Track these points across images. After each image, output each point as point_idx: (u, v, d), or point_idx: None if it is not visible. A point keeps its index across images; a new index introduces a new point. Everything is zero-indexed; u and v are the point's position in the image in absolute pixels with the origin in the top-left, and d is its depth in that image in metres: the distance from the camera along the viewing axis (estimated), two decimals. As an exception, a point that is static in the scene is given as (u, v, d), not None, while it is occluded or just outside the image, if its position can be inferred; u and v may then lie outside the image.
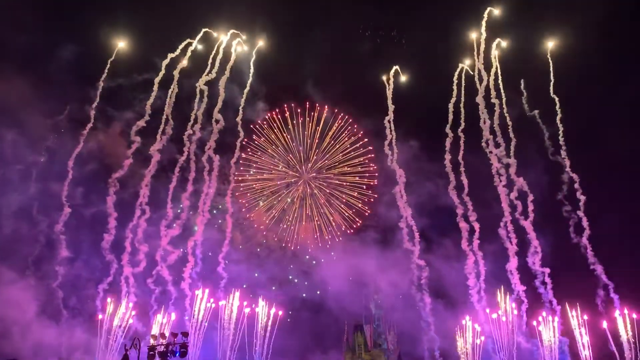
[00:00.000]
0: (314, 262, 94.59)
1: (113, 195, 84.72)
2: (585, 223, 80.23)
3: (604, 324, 76.50)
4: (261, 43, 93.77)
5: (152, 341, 48.89)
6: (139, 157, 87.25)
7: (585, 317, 77.77)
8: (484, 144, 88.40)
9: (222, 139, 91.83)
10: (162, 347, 48.76)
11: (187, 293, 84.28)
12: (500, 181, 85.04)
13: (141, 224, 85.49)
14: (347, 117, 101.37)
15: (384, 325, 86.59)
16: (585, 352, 76.62)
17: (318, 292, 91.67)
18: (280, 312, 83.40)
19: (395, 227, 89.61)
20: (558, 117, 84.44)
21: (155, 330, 79.26)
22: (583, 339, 76.92)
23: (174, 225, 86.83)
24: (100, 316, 76.48)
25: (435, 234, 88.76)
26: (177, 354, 49.11)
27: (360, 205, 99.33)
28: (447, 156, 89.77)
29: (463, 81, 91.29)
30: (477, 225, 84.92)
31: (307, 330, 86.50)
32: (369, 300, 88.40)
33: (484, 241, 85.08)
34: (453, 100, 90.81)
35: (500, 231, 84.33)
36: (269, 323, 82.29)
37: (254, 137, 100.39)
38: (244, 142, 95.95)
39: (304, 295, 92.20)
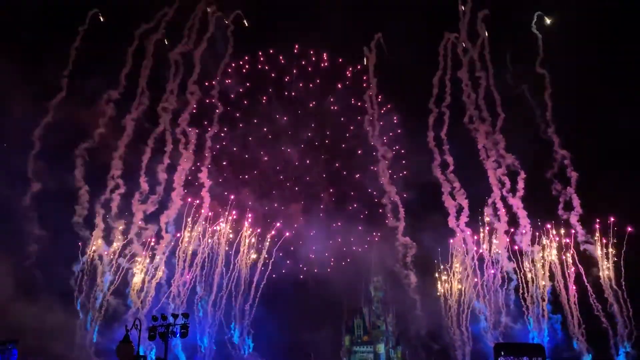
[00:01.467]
0: (301, 242, 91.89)
1: (81, 167, 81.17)
2: (576, 202, 79.80)
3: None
4: (239, 11, 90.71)
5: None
6: (111, 130, 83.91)
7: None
8: (466, 120, 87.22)
9: (201, 112, 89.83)
10: (163, 327, 47.17)
11: (164, 270, 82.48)
12: (488, 157, 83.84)
13: (114, 199, 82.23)
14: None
15: (383, 308, 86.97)
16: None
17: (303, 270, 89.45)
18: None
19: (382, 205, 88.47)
20: (547, 93, 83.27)
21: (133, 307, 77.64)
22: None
23: (149, 200, 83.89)
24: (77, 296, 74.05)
25: (421, 211, 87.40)
26: (178, 335, 47.90)
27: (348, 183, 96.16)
28: (430, 133, 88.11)
29: (449, 52, 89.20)
30: (465, 203, 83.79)
31: (296, 312, 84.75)
32: (368, 282, 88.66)
33: (472, 219, 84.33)
34: (439, 73, 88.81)
35: (487, 209, 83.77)
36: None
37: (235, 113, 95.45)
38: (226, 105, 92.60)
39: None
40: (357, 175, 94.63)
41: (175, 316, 48.06)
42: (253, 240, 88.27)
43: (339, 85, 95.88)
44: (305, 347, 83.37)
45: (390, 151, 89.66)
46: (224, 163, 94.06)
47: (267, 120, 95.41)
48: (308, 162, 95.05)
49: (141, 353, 61.64)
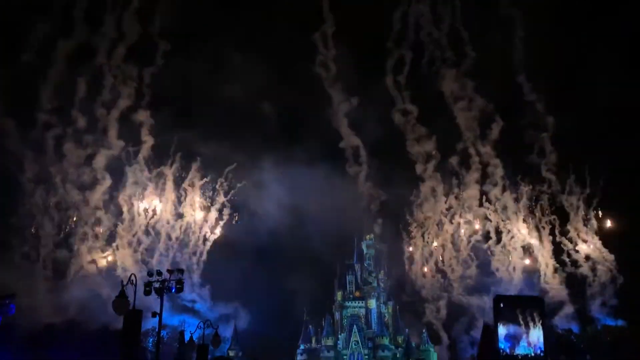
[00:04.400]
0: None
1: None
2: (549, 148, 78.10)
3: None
4: None
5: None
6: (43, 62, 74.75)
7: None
8: (430, 60, 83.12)
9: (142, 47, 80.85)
10: (158, 283, 42.34)
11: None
12: (456, 100, 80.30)
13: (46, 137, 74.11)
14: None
15: (375, 264, 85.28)
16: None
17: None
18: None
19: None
20: (518, 36, 79.59)
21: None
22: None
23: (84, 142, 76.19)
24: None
25: (386, 159, 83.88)
26: (173, 290, 43.40)
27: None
28: (389, 77, 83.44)
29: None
30: (432, 150, 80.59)
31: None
32: (361, 239, 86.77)
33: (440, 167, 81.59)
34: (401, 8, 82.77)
35: (455, 159, 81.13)
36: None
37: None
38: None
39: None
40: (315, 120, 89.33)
41: (170, 272, 43.28)
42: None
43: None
44: (296, 301, 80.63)
45: (348, 95, 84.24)
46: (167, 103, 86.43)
47: (214, 59, 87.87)
48: (260, 105, 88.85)
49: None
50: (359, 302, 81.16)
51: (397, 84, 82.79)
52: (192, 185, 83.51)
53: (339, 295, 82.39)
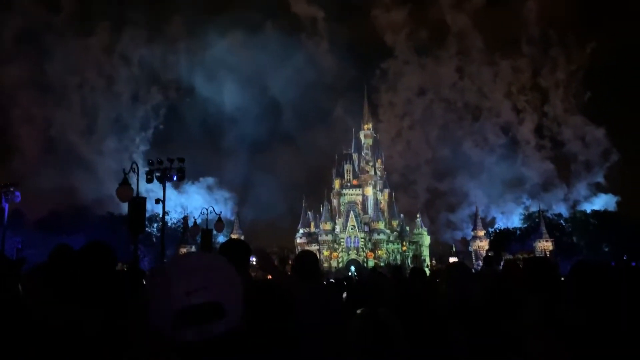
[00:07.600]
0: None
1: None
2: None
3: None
4: None
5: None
6: None
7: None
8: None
9: None
10: (160, 171, 43.66)
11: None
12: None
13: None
14: None
15: (373, 153, 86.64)
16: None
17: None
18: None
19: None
20: None
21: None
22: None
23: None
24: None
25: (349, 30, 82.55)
26: (175, 178, 44.91)
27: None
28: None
29: None
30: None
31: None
32: (358, 130, 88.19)
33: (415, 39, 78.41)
34: None
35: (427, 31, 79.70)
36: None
37: None
38: None
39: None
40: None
41: (171, 160, 44.38)
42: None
43: None
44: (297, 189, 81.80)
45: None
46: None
47: None
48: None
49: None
50: (356, 190, 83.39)
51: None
52: (126, 58, 79.90)
53: (336, 183, 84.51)
